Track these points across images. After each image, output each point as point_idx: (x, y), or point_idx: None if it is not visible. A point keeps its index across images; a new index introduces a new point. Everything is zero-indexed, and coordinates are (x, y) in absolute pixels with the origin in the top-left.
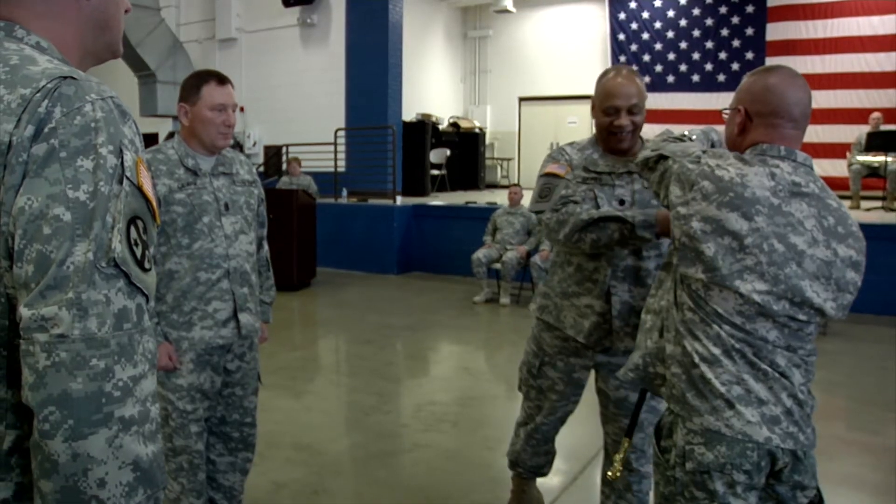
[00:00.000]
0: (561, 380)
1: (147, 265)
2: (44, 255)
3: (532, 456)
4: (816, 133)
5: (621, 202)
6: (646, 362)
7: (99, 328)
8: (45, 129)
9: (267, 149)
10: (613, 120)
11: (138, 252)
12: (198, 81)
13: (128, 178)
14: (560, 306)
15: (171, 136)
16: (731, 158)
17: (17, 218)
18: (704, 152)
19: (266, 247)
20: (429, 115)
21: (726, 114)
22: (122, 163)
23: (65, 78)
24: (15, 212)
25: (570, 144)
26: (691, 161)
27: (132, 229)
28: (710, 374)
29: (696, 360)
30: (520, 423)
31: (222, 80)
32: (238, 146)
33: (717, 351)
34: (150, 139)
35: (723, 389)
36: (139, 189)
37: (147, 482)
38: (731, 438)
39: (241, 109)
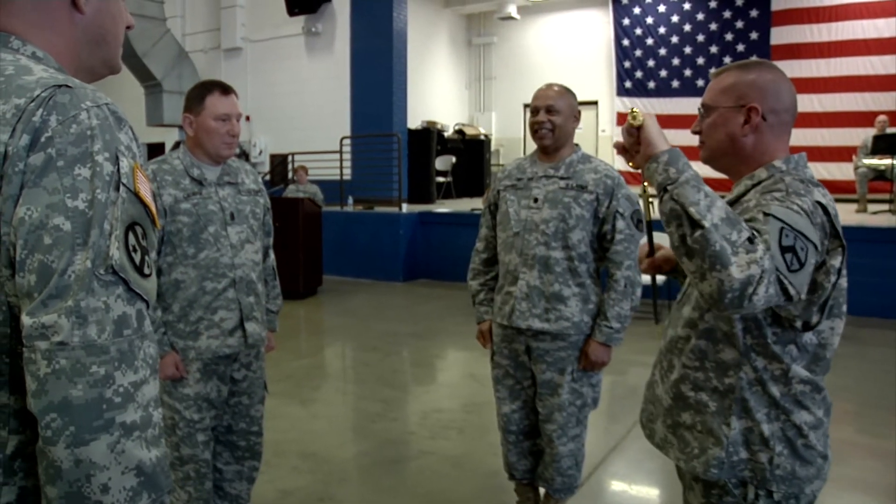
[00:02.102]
0: (510, 365)
1: (147, 271)
2: (45, 265)
3: (518, 457)
4: (822, 136)
5: (535, 200)
6: (729, 452)
7: (98, 335)
8: (42, 139)
9: (273, 157)
10: (534, 118)
11: (137, 258)
12: (202, 92)
13: (124, 184)
14: (496, 300)
15: (177, 145)
16: (813, 188)
17: (18, 228)
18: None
19: (272, 256)
20: (434, 123)
21: (707, 109)
22: (118, 169)
23: (59, 86)
24: (15, 222)
25: (515, 160)
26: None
27: (130, 236)
28: (814, 440)
29: (806, 430)
30: (498, 424)
31: (226, 90)
32: (244, 155)
33: (820, 413)
34: (156, 149)
35: (821, 448)
36: (136, 195)
37: (151, 486)
38: None
39: (247, 118)
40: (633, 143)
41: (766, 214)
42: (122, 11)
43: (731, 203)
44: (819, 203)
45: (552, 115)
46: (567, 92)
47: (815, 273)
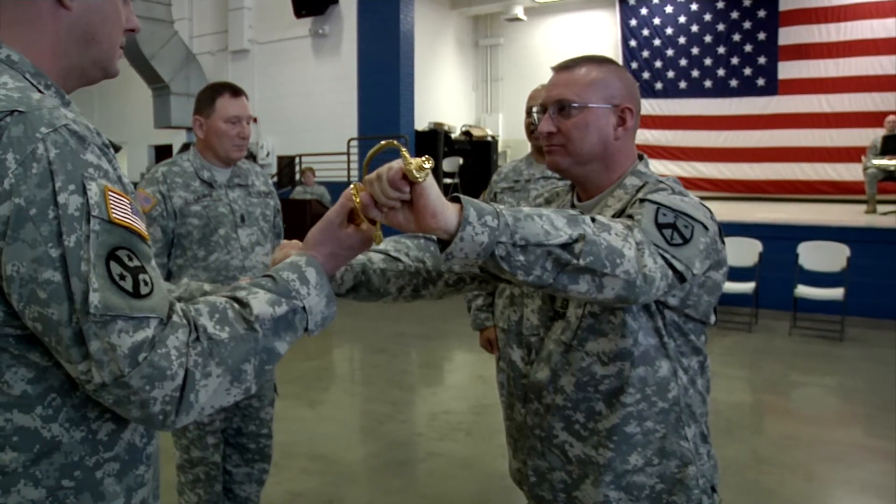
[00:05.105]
0: None
1: (144, 290)
2: (46, 317)
3: None
4: (831, 137)
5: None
6: (699, 464)
7: (121, 371)
8: (5, 185)
9: (280, 159)
10: (529, 118)
11: (127, 284)
12: (212, 94)
13: (95, 216)
14: (497, 304)
15: (185, 147)
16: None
17: (9, 284)
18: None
19: None
20: (441, 124)
21: (570, 106)
22: (87, 200)
23: (12, 113)
24: (5, 276)
25: (510, 162)
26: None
27: (113, 265)
28: None
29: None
30: (505, 428)
31: (236, 92)
32: (251, 157)
33: None
34: (164, 151)
35: None
36: (110, 223)
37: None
38: None
39: (255, 120)
40: (397, 198)
41: (641, 201)
42: (117, 11)
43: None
44: (703, 203)
45: None
46: None
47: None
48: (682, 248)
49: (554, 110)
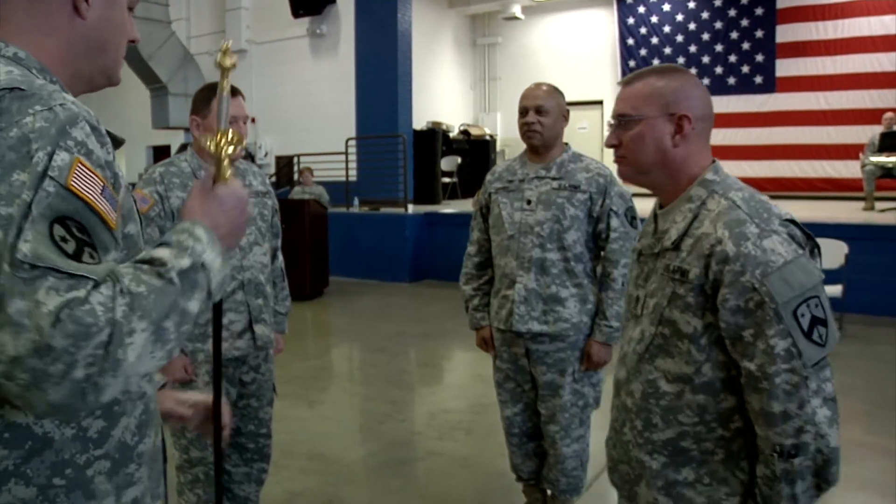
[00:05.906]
0: (510, 368)
1: (86, 259)
2: None
3: (523, 459)
4: (828, 134)
5: (528, 202)
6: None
7: (39, 335)
8: None
9: (278, 159)
10: (523, 118)
11: (69, 248)
12: (209, 94)
13: (51, 177)
14: (492, 304)
15: (182, 148)
16: (769, 204)
17: None
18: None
19: (280, 257)
20: (439, 123)
21: (627, 119)
22: (50, 163)
23: (12, 90)
24: None
25: (504, 161)
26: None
27: (57, 227)
28: None
29: None
30: (503, 427)
31: (233, 92)
32: (249, 157)
33: None
34: (162, 151)
35: None
36: (67, 189)
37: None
38: None
39: (253, 120)
40: None
41: (775, 311)
42: (125, 22)
43: (682, 236)
44: (789, 221)
45: (541, 116)
46: (555, 91)
47: None
48: (829, 335)
49: (615, 123)
